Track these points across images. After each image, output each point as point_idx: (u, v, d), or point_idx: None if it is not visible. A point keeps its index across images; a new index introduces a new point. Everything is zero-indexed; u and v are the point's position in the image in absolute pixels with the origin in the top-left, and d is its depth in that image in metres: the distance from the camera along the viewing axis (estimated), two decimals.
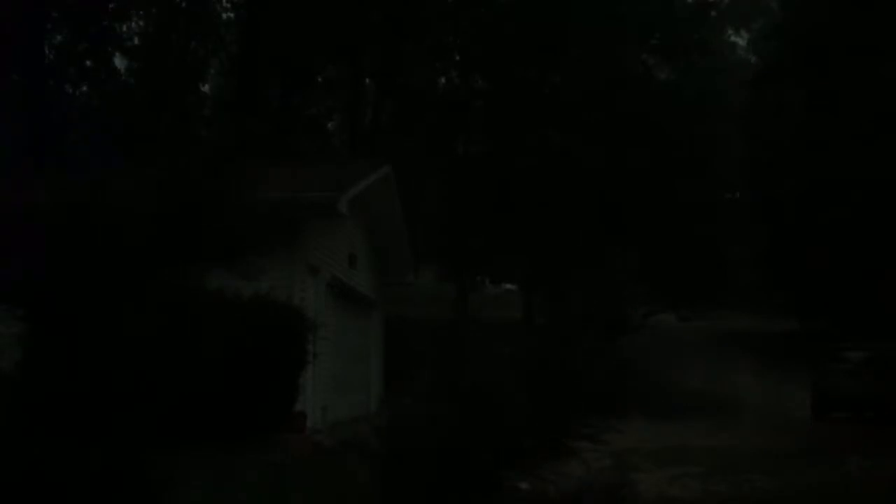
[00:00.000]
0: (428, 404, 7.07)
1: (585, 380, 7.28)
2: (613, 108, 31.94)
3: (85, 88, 29.66)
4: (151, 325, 6.35)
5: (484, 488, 6.62)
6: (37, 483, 5.83)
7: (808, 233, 31.77)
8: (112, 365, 6.15)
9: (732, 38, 57.39)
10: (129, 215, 6.28)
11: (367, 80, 35.87)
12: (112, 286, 6.16)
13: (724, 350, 35.55)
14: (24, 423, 6.02)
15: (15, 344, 7.29)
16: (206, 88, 36.30)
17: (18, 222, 7.21)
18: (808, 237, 31.85)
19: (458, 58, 36.64)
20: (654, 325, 33.91)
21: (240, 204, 6.69)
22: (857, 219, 29.04)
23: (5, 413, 6.27)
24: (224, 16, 33.58)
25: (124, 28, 31.02)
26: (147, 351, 6.30)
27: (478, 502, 6.58)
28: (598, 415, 7.38)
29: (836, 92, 30.97)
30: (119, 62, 31.29)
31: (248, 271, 7.22)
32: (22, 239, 6.94)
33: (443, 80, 38.29)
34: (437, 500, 6.54)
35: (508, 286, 44.39)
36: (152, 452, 6.27)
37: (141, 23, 32.61)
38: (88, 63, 29.06)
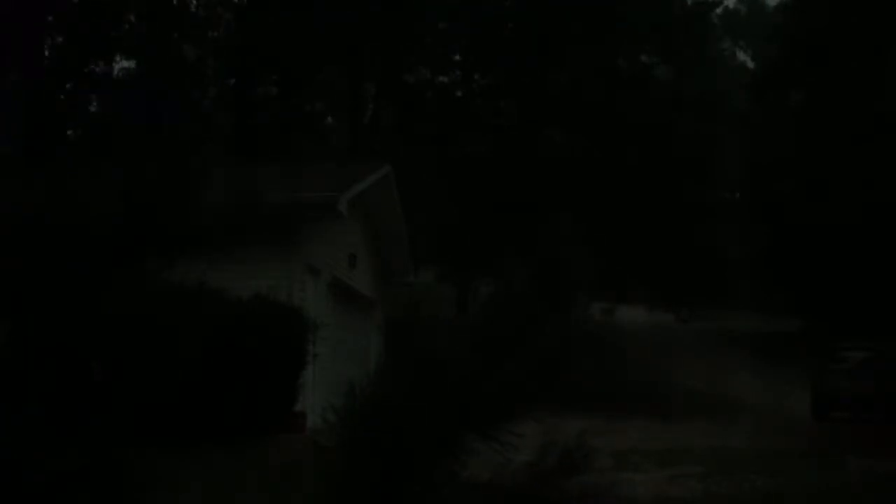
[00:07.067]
0: (378, 385, 6.89)
1: (522, 346, 7.14)
2: (613, 108, 31.92)
3: (80, 89, 29.60)
4: (142, 323, 6.29)
5: (422, 475, 6.48)
6: (8, 483, 5.78)
7: (808, 233, 31.73)
8: (90, 361, 6.11)
9: (732, 43, 57.37)
10: (87, 215, 6.22)
11: (367, 80, 35.82)
12: (85, 282, 6.11)
13: (725, 350, 35.49)
14: None
15: None
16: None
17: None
18: (808, 237, 31.81)
19: (458, 57, 36.62)
20: (621, 323, 33.82)
21: (196, 201, 6.61)
22: (857, 219, 29.00)
23: None
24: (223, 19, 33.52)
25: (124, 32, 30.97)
26: (134, 347, 6.24)
27: (415, 492, 6.45)
28: (592, 412, 7.35)
29: (836, 92, 30.93)
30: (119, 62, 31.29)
31: (215, 261, 7.13)
32: None
33: (444, 79, 38.22)
34: (379, 493, 6.41)
35: None
36: (130, 452, 6.20)
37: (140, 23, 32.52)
38: (88, 66, 29.04)
